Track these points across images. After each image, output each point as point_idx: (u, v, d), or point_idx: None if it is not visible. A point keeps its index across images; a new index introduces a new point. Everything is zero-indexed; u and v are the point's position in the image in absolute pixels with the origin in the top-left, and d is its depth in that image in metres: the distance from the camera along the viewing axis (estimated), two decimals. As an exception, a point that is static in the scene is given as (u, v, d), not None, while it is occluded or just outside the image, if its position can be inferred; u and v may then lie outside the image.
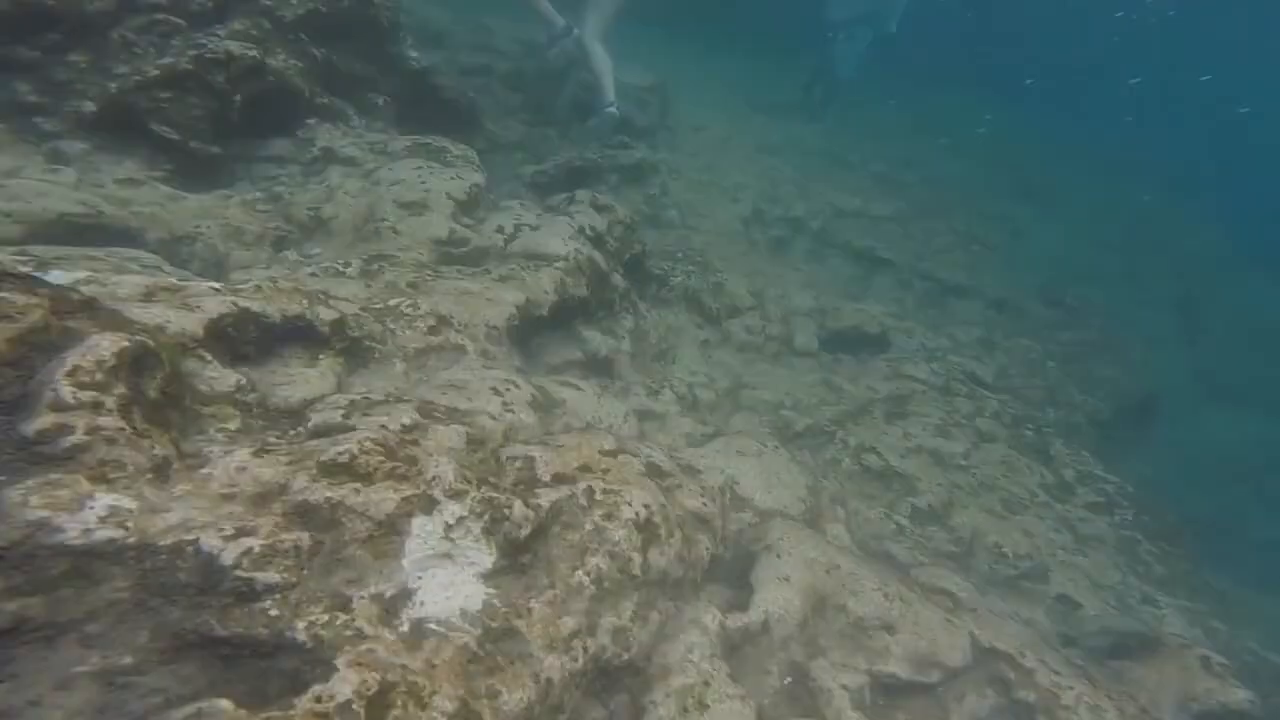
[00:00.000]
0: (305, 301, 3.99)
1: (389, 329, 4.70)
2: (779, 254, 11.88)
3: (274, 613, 2.23)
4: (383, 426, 3.03)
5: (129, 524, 2.15)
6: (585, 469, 3.66)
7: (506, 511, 2.97)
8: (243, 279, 5.00)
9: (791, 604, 4.00)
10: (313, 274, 5.30)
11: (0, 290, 2.34)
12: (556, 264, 6.77)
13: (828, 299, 10.00)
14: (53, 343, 2.29)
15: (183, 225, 5.96)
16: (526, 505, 3.08)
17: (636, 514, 3.45)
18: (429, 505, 2.72)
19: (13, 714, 1.85)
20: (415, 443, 3.02)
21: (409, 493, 2.71)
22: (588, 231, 7.85)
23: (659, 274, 8.85)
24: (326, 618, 2.28)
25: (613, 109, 12.22)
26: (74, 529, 2.07)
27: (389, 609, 2.42)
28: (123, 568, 2.11)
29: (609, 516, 3.35)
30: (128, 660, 2.04)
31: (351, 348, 4.20)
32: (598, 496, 3.43)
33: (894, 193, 15.71)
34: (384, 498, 2.62)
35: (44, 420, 2.12)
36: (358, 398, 3.48)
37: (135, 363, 2.38)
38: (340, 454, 2.66)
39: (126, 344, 2.35)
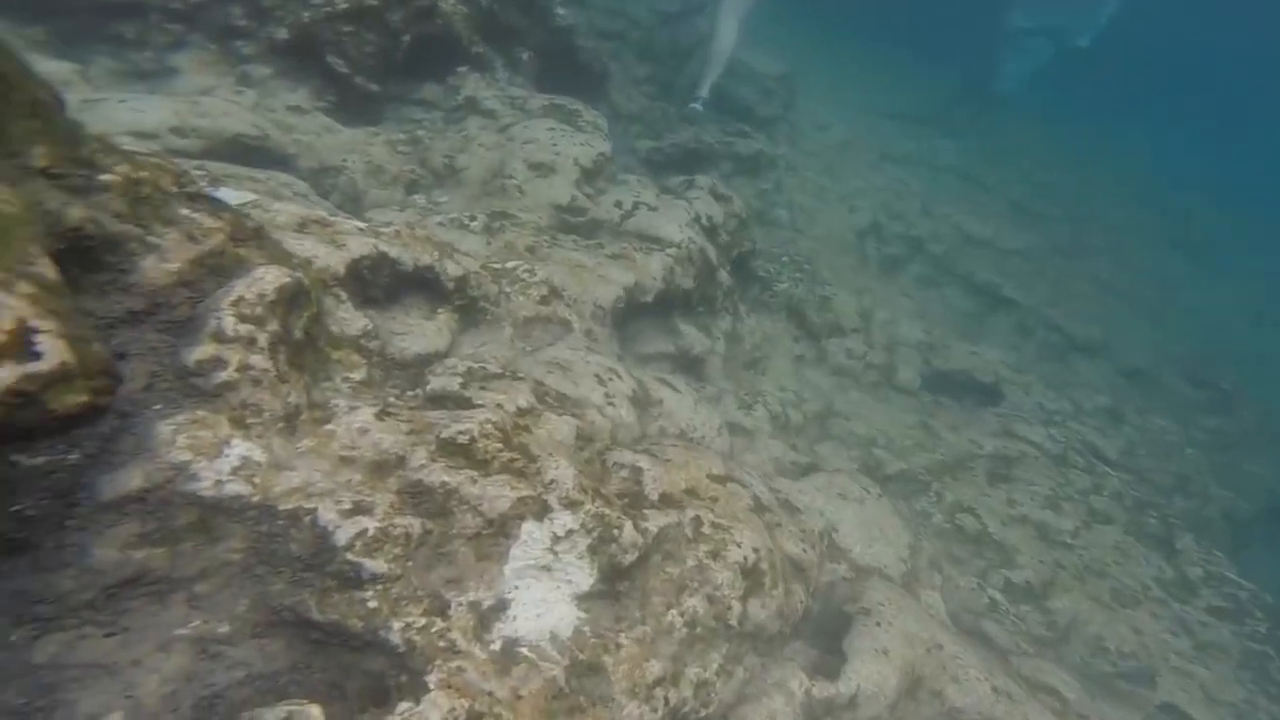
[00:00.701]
0: (436, 253, 4.19)
1: (504, 292, 4.87)
2: (891, 274, 11.36)
3: (373, 604, 2.21)
4: (499, 406, 3.08)
5: (256, 479, 2.22)
6: (693, 493, 3.48)
7: (616, 533, 2.83)
8: (380, 220, 5.31)
9: (886, 681, 3.67)
10: (440, 223, 5.55)
11: (190, 209, 2.57)
12: (669, 250, 6.75)
13: (939, 334, 9.48)
14: (224, 268, 2.52)
15: (332, 157, 6.38)
16: (637, 529, 2.93)
17: (744, 558, 3.24)
18: (542, 511, 2.66)
19: (116, 671, 1.89)
20: (528, 429, 3.05)
21: (525, 493, 2.65)
22: (703, 221, 7.76)
23: (763, 276, 8.60)
24: (423, 622, 2.25)
25: (698, 105, 11.99)
26: (208, 479, 2.14)
27: (483, 621, 2.38)
28: (241, 527, 2.17)
29: (714, 555, 3.16)
30: (224, 629, 2.09)
31: (468, 306, 4.38)
32: (705, 530, 3.24)
33: (1031, 225, 14.62)
34: (500, 494, 2.59)
35: (204, 350, 2.27)
36: (475, 366, 3.60)
37: (291, 300, 2.58)
38: (461, 433, 2.68)
39: (287, 280, 2.54)
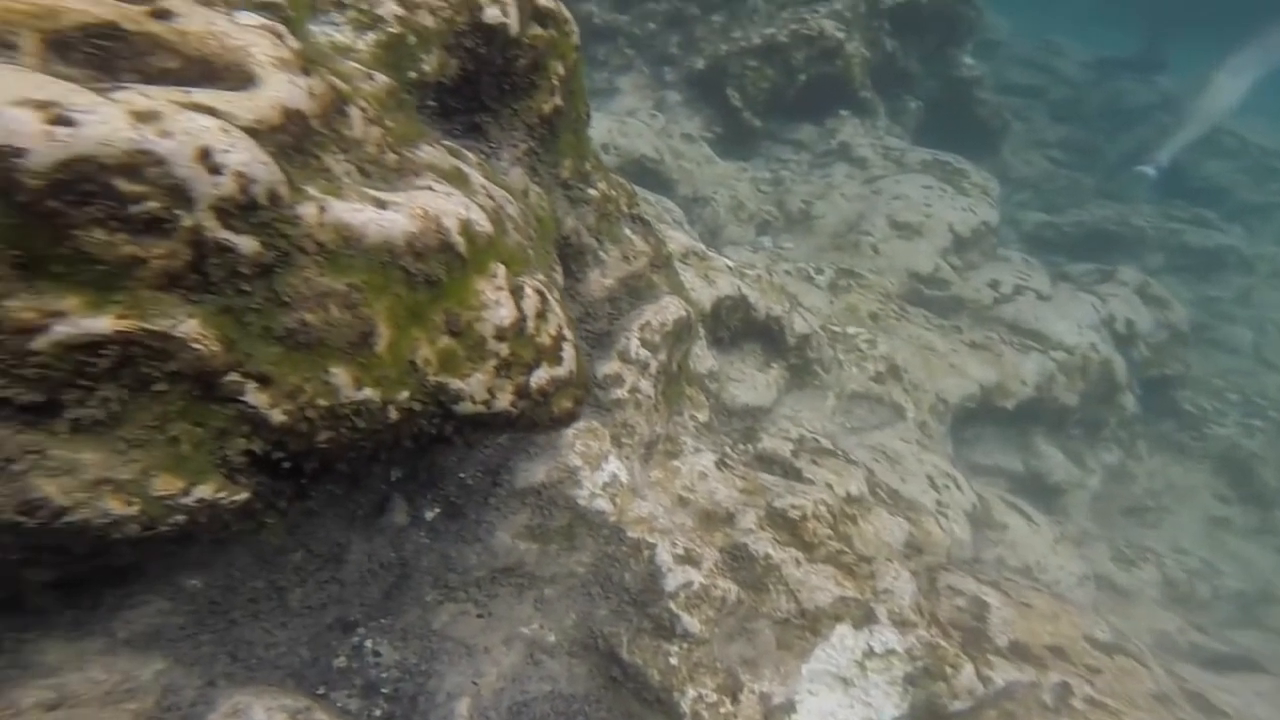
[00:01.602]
0: (788, 306, 4.93)
1: (838, 358, 5.43)
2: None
3: (674, 661, 2.47)
4: (830, 488, 3.49)
5: (617, 499, 2.74)
6: (1060, 654, 3.31)
7: (950, 671, 2.81)
8: (740, 259, 6.29)
9: None
10: (787, 271, 6.34)
11: (631, 229, 3.61)
12: (1054, 353, 6.49)
13: None
14: (640, 290, 3.50)
15: (705, 188, 7.66)
16: (979, 675, 2.90)
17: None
18: (865, 619, 2.78)
19: (473, 654, 2.38)
20: (855, 521, 3.35)
21: (851, 594, 2.83)
22: (1118, 326, 7.19)
23: (1189, 411, 7.74)
24: (714, 698, 2.41)
25: (1149, 169, 10.77)
26: (586, 489, 2.67)
27: (767, 718, 2.53)
28: (594, 542, 2.63)
29: (1092, 747, 2.85)
30: (551, 638, 2.49)
31: (801, 366, 5.04)
32: (1076, 703, 3.05)
33: None
34: (822, 586, 2.81)
35: (611, 366, 3.02)
36: (806, 435, 4.14)
37: (679, 332, 3.46)
38: (793, 508, 3.02)
39: (684, 313, 3.42)
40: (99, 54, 1.42)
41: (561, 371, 2.11)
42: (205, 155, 1.32)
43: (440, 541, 2.81)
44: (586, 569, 2.79)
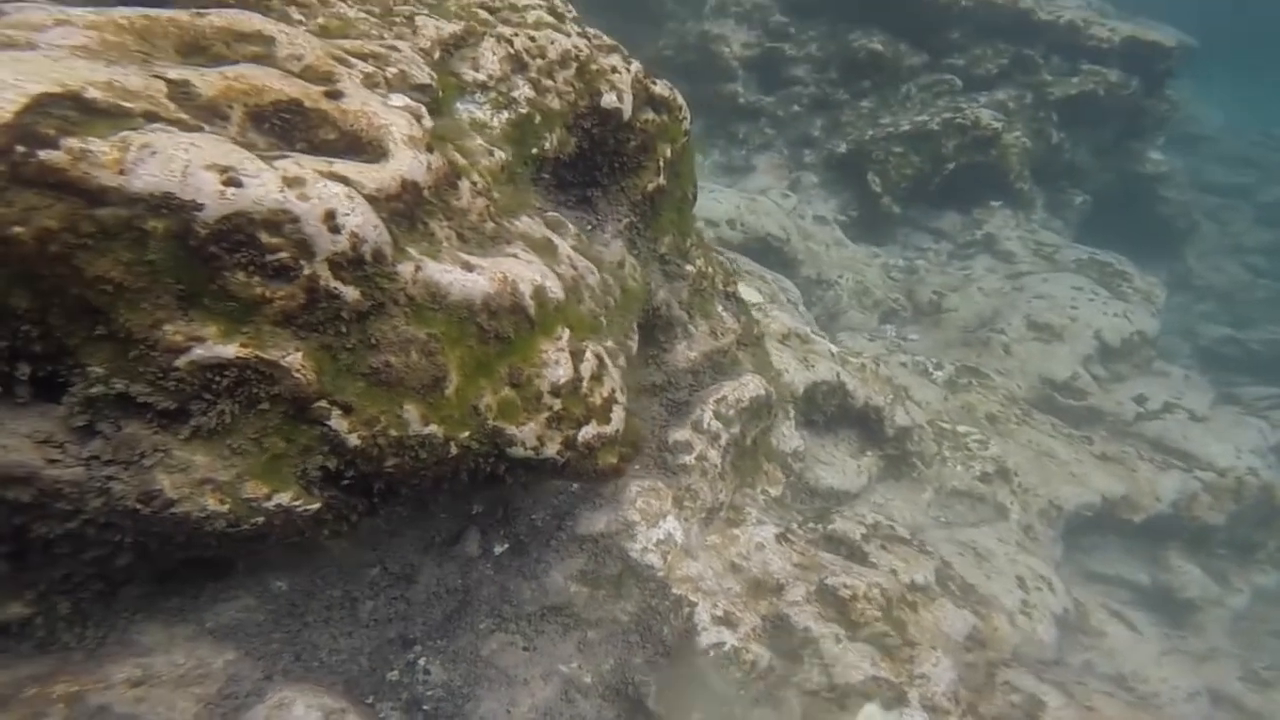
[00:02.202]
0: (890, 397, 4.96)
1: (941, 455, 5.35)
2: None
3: (696, 718, 2.72)
4: (894, 573, 3.60)
5: (669, 557, 3.04)
6: None
7: None
8: (851, 346, 6.36)
9: None
10: (903, 363, 6.32)
11: (723, 306, 3.88)
12: (1201, 473, 6.23)
13: None
14: (723, 366, 3.75)
15: (829, 271, 7.80)
16: None
17: None
18: (895, 700, 2.90)
19: (513, 684, 2.63)
20: (915, 608, 3.47)
21: (885, 675, 2.96)
22: None
23: None
24: None
25: None
26: (640, 543, 2.99)
27: None
28: (641, 594, 2.93)
29: None
30: (588, 679, 2.70)
31: (898, 458, 5.03)
32: None
33: None
34: (856, 665, 2.96)
35: (683, 434, 3.38)
36: (882, 522, 4.22)
37: (755, 410, 3.67)
38: (844, 587, 3.20)
39: (761, 393, 3.65)
40: (283, 124, 1.88)
41: (609, 430, 2.36)
42: (330, 216, 1.71)
43: (502, 574, 3.11)
44: (630, 618, 3.00)
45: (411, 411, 1.93)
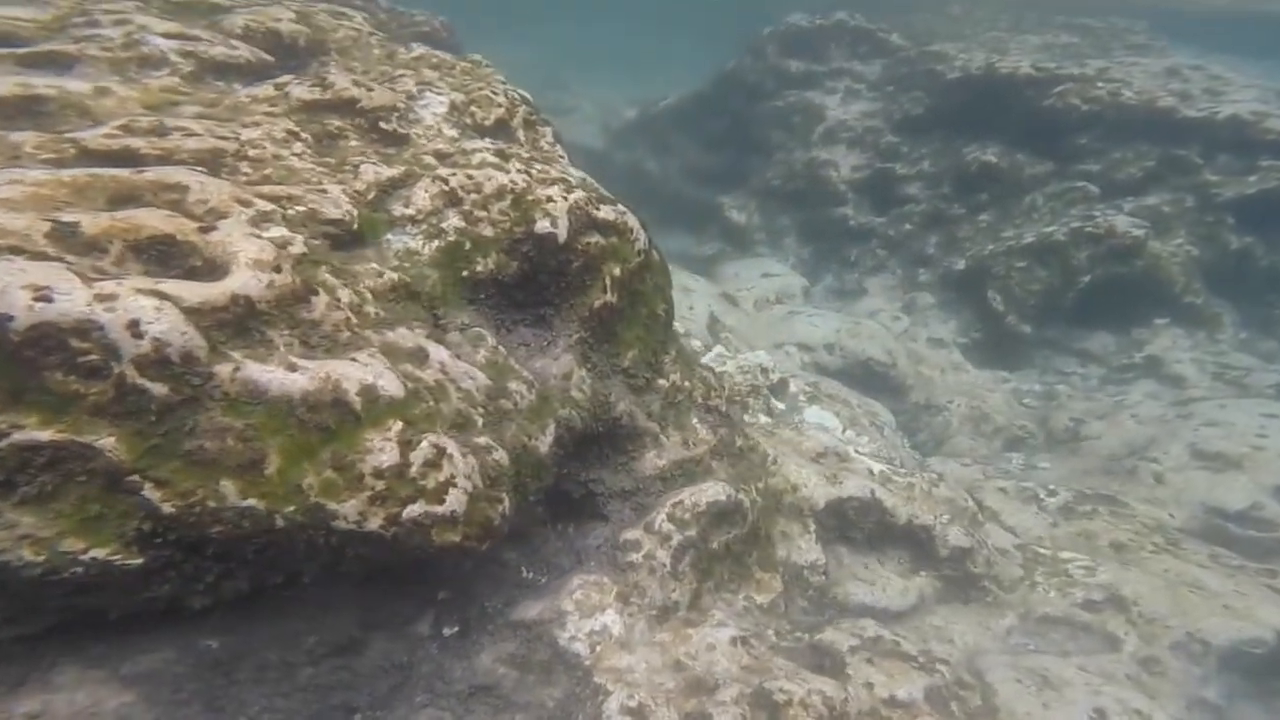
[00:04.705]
0: (944, 517, 4.01)
1: (1031, 581, 4.13)
2: None
3: None
4: (868, 686, 2.89)
5: (598, 648, 2.76)
6: None
7: None
8: (937, 469, 5.32)
9: None
10: (1001, 488, 5.09)
11: (700, 419, 3.49)
12: None
13: None
14: (694, 474, 3.31)
15: (940, 396, 6.67)
16: None
17: None
18: None
19: None
20: None
21: None
22: None
23: None
24: None
25: None
26: (569, 632, 2.75)
27: None
28: (567, 680, 2.68)
29: None
30: None
31: (962, 579, 3.97)
32: None
33: None
34: None
35: (633, 533, 3.07)
36: (885, 636, 3.29)
37: (719, 515, 3.15)
38: (780, 691, 2.68)
39: (723, 498, 3.14)
40: (160, 254, 2.09)
41: (441, 510, 2.19)
42: (134, 325, 1.82)
43: (442, 654, 2.93)
44: (555, 703, 2.75)
45: (229, 487, 1.92)
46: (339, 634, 2.86)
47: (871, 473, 4.11)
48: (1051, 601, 4.07)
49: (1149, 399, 6.66)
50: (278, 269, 2.12)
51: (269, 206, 2.33)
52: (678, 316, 6.07)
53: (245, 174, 2.52)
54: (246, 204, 2.28)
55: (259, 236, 2.17)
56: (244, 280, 2.04)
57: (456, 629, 3.01)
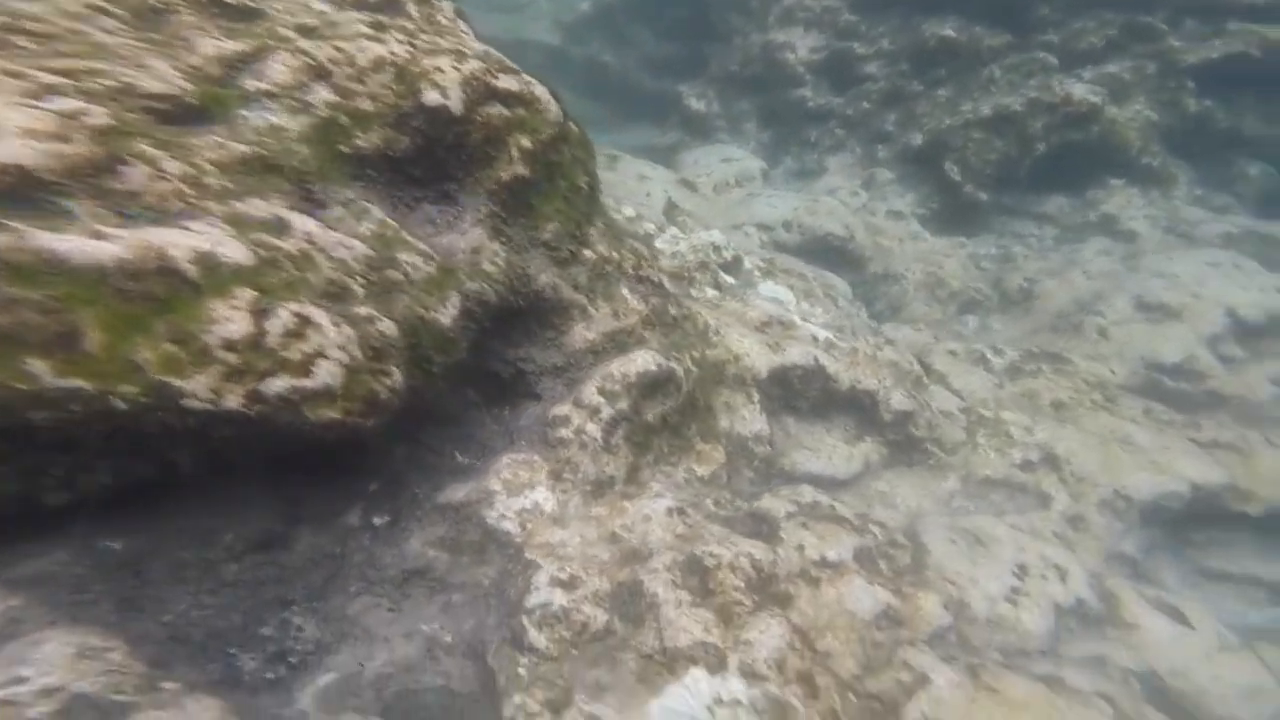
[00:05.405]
0: (887, 381, 3.81)
1: (973, 443, 4.01)
2: None
3: (521, 672, 2.31)
4: (800, 548, 2.79)
5: (529, 525, 2.62)
6: None
7: None
8: (893, 335, 5.10)
9: None
10: (951, 350, 4.89)
11: (630, 289, 3.19)
12: None
13: None
14: (627, 345, 3.06)
15: (898, 265, 6.39)
16: None
17: None
18: (717, 666, 2.37)
19: (372, 641, 2.38)
20: (817, 583, 2.67)
21: (710, 640, 2.40)
22: None
23: None
24: (536, 709, 2.26)
25: None
26: (497, 511, 2.60)
27: None
28: (501, 559, 2.57)
29: None
30: (448, 639, 2.44)
31: (905, 443, 3.84)
32: None
33: None
34: (685, 629, 2.43)
35: (563, 408, 2.84)
36: (822, 501, 3.12)
37: (651, 385, 2.92)
38: (710, 555, 2.56)
39: (654, 368, 2.91)
40: None
41: (310, 384, 1.94)
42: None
43: (374, 543, 2.76)
44: (490, 582, 2.65)
45: (39, 365, 1.64)
46: (259, 529, 2.67)
47: (816, 339, 3.89)
48: (991, 463, 3.97)
49: (1100, 255, 6.44)
50: (64, 139, 1.72)
51: (55, 80, 1.91)
52: (634, 204, 5.64)
53: (22, 48, 2.04)
54: (17, 76, 1.85)
55: (36, 108, 1.76)
56: (12, 149, 1.65)
57: (388, 518, 2.85)
